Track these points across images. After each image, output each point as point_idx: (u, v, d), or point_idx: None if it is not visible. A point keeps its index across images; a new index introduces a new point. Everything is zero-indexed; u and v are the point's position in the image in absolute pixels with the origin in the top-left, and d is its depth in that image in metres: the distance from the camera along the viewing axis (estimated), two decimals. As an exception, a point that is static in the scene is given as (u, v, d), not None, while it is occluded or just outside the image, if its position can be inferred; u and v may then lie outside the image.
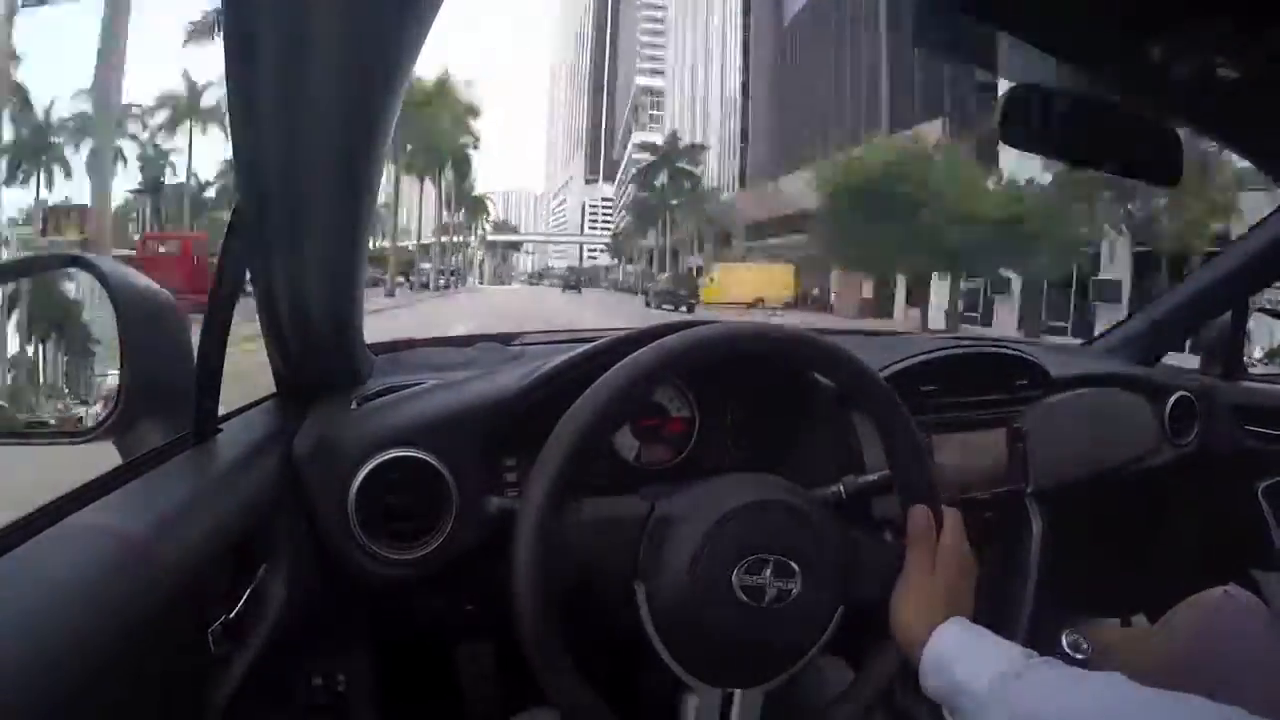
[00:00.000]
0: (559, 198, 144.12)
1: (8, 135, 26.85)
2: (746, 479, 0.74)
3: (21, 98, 26.39)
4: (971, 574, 0.73)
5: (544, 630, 0.64)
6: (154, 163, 32.87)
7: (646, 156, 50.99)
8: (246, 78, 0.53)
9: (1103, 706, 0.55)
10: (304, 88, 0.54)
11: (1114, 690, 0.56)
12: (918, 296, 21.57)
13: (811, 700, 0.80)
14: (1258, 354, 1.76)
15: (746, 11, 51.97)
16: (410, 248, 43.56)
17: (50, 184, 27.91)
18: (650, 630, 0.68)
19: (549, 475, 0.65)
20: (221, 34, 0.53)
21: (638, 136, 78.62)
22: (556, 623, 0.65)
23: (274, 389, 0.91)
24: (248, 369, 0.77)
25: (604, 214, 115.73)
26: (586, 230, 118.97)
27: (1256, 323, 1.72)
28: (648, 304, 30.30)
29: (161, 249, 17.78)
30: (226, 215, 0.70)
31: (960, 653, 0.64)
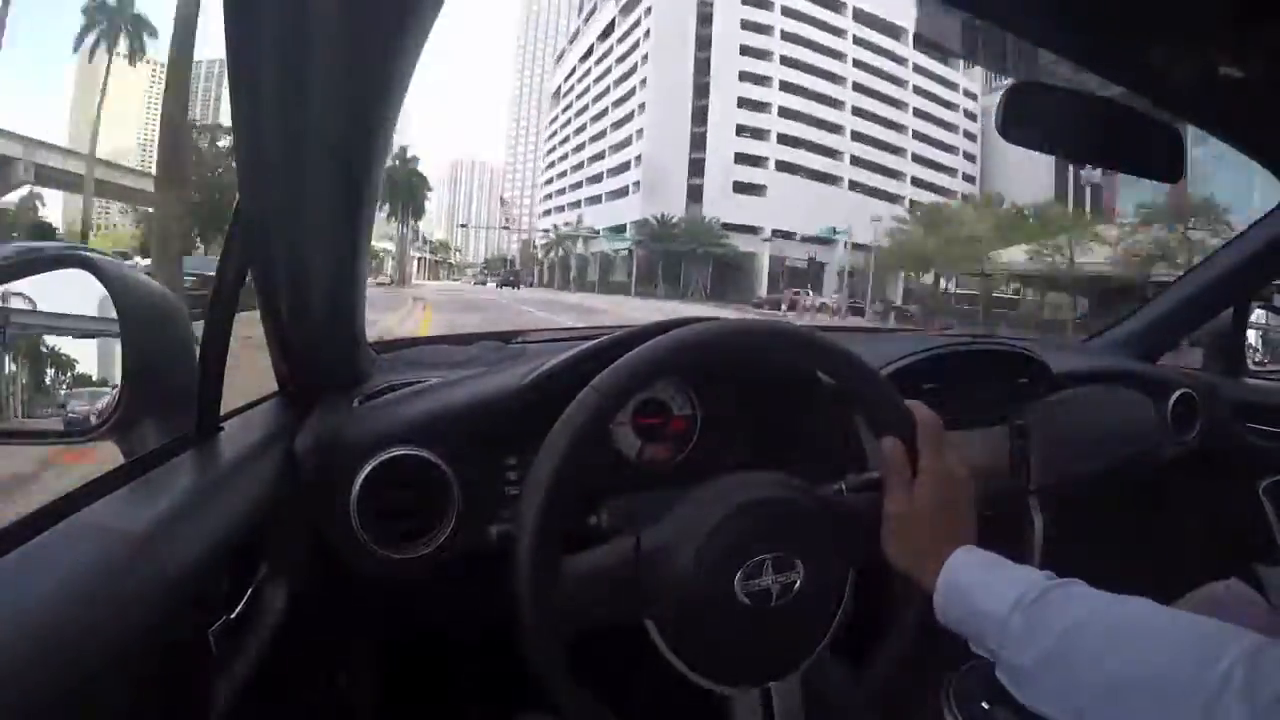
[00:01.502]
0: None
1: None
2: (730, 481, 0.73)
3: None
4: (963, 489, 0.70)
5: (553, 655, 0.64)
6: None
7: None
8: (249, 79, 0.53)
9: (1131, 622, 0.55)
10: (306, 89, 0.54)
11: (1141, 608, 0.56)
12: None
13: (816, 698, 0.80)
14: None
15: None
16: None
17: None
18: (670, 656, 0.68)
19: (546, 479, 0.65)
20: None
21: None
22: (564, 650, 0.65)
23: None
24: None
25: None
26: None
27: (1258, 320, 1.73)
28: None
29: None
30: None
31: (977, 579, 0.63)
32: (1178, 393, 1.54)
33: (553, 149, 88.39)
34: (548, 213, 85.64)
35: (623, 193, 61.36)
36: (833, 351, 0.74)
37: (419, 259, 77.50)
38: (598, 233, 62.22)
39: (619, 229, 58.80)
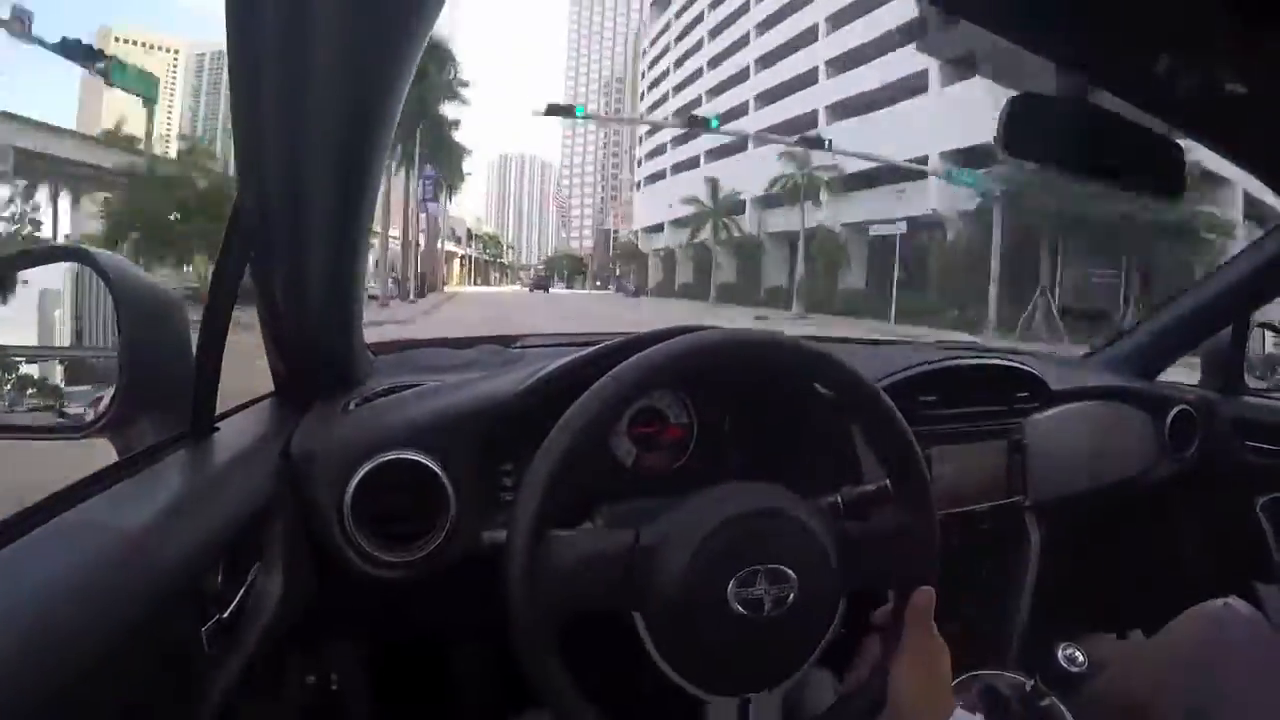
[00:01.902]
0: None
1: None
2: (728, 490, 0.73)
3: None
4: (945, 661, 0.73)
5: (542, 652, 0.64)
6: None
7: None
8: (250, 78, 0.54)
9: None
10: (306, 89, 0.54)
11: None
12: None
13: (805, 710, 0.79)
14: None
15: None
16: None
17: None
18: (655, 655, 0.68)
19: (539, 486, 0.65)
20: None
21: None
22: (555, 647, 0.64)
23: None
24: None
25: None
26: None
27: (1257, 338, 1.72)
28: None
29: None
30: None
31: None
32: (1176, 410, 1.54)
33: (663, 72, 57.44)
34: (657, 177, 53.20)
35: (910, 86, 27.51)
36: (833, 366, 0.74)
37: (462, 256, 61.00)
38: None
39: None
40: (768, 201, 33.14)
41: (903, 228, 24.17)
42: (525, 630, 0.63)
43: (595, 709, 0.66)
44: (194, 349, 0.72)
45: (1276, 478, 1.58)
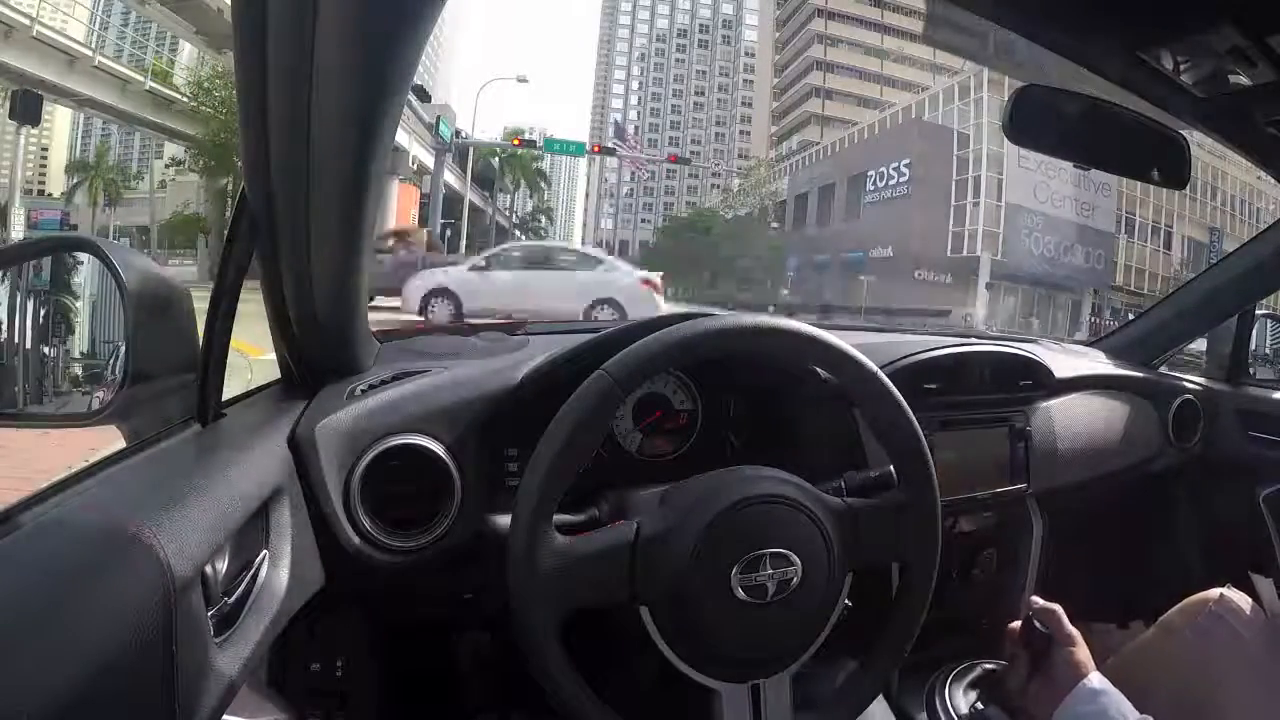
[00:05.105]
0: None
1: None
2: (730, 475, 0.73)
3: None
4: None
5: (544, 641, 0.64)
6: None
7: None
8: (255, 61, 0.54)
9: None
10: (312, 78, 0.54)
11: None
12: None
13: (808, 695, 0.80)
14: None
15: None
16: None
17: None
18: (663, 646, 0.68)
19: (541, 476, 0.65)
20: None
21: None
22: (557, 636, 0.65)
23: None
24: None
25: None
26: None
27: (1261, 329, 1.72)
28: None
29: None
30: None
31: None
32: (1180, 399, 1.54)
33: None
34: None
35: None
36: (835, 350, 0.74)
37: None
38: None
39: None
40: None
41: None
42: (526, 620, 0.64)
43: (594, 694, 0.67)
44: (199, 336, 0.72)
45: (1279, 469, 1.58)
